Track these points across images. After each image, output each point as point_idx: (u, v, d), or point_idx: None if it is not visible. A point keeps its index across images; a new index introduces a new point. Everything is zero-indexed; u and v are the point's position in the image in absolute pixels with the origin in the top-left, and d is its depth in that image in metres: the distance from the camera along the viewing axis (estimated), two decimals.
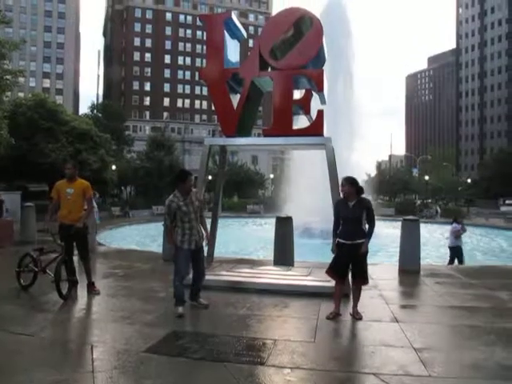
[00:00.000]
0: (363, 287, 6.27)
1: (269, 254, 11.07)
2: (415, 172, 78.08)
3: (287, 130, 7.57)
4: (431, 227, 28.33)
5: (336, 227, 6.07)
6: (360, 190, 5.98)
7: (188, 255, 6.19)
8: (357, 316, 6.10)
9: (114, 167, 38.49)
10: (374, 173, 68.19)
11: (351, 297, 6.34)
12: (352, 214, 5.88)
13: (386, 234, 19.42)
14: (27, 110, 31.21)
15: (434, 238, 22.21)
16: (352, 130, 26.09)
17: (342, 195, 6.11)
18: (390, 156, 64.22)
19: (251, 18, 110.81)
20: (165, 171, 47.49)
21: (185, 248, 6.14)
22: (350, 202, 5.95)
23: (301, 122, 8.01)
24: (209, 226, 7.40)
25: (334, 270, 6.08)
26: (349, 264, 6.03)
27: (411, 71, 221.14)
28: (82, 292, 7.31)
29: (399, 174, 62.95)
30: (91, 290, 7.36)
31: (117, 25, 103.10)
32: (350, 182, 5.95)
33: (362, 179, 28.85)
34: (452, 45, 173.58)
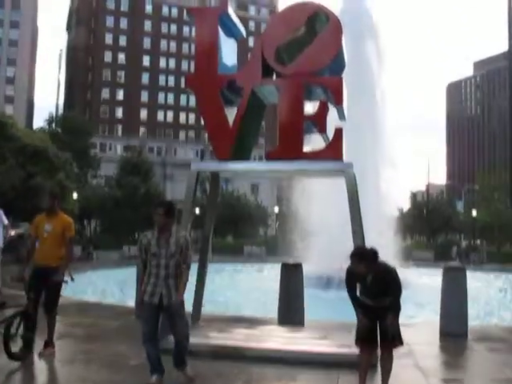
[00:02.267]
0: (395, 355, 6.14)
1: (272, 310, 10.99)
2: (460, 206, 78.23)
3: (297, 153, 7.66)
4: (479, 276, 28.19)
5: (354, 299, 6.03)
6: (373, 258, 5.83)
7: (150, 310, 6.09)
8: None
9: (75, 195, 38.66)
10: (407, 207, 68.48)
11: (379, 368, 6.23)
12: (371, 290, 5.84)
13: (423, 285, 19.32)
14: None
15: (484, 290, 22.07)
16: (379, 153, 26.29)
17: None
18: (428, 185, 64.37)
19: (252, 11, 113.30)
20: (140, 202, 47.66)
21: (145, 300, 6.08)
22: (367, 277, 5.87)
23: (314, 142, 8.09)
24: (194, 277, 7.35)
25: (360, 335, 5.99)
26: (376, 325, 5.97)
27: (454, 79, 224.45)
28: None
29: (439, 209, 63.08)
30: (46, 350, 7.36)
31: (84, 17, 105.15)
32: (364, 257, 5.82)
33: (392, 215, 28.97)
34: (503, 47, 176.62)
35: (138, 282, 6.33)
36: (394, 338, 5.98)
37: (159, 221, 6.04)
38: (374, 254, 5.83)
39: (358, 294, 6.03)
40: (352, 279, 5.97)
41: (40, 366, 7.02)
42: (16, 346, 6.93)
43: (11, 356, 6.78)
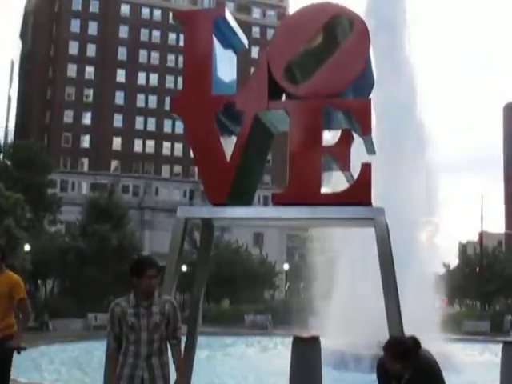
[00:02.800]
0: None
1: None
2: None
3: (312, 196, 7.60)
4: None
5: None
6: (414, 355, 5.65)
7: None
8: None
9: (27, 247, 38.55)
10: (455, 262, 67.99)
11: None
12: None
13: (477, 365, 19.05)
14: None
15: None
16: (419, 195, 26.29)
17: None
18: (482, 234, 63.94)
19: (256, 13, 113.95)
20: (111, 256, 47.45)
21: None
22: (403, 376, 5.73)
23: (335, 182, 8.33)
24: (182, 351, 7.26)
25: None
26: None
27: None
28: None
29: (497, 265, 62.53)
30: None
31: (42, 21, 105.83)
32: (402, 355, 5.62)
33: (436, 274, 28.79)
34: None
35: (108, 362, 6.14)
36: None
37: (153, 286, 5.91)
38: (414, 347, 5.64)
39: None
40: (385, 376, 5.87)
41: None
42: None
43: None
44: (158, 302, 5.96)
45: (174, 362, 5.99)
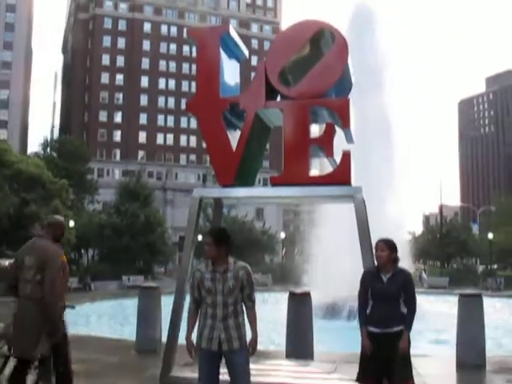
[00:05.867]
0: None
1: (279, 342, 10.98)
2: (475, 228, 77.77)
3: (302, 178, 7.72)
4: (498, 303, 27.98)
5: (363, 309, 5.91)
6: (396, 258, 5.90)
7: (207, 358, 5.48)
8: None
9: (71, 223, 38.67)
10: (419, 230, 68.36)
11: None
12: (387, 290, 5.75)
13: (438, 314, 19.18)
14: None
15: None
16: (389, 176, 26.32)
17: (376, 262, 6.00)
18: (441, 207, 63.86)
19: (254, 28, 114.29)
20: (140, 229, 47.86)
21: (202, 347, 5.46)
22: (385, 275, 5.84)
23: (321, 167, 8.25)
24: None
25: (367, 372, 5.81)
26: (384, 361, 5.71)
27: (465, 95, 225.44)
28: None
29: (454, 232, 62.73)
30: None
31: (80, 38, 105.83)
32: (391, 246, 5.85)
33: (403, 239, 28.90)
34: None
35: (188, 321, 5.66)
36: (404, 377, 5.70)
37: (209, 252, 5.54)
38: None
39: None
40: (367, 283, 5.93)
41: None
42: None
43: None
44: (232, 269, 5.56)
45: (251, 328, 5.65)
